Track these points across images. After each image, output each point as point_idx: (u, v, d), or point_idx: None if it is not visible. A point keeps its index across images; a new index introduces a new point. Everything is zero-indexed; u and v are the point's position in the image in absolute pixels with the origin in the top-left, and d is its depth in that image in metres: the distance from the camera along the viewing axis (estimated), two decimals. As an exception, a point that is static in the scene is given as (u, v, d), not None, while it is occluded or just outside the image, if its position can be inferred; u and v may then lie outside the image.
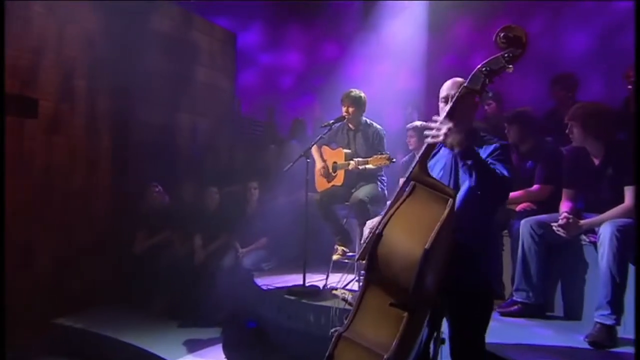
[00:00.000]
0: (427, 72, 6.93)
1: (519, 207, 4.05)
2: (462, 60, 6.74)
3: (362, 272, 2.38)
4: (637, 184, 3.02)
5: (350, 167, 4.35)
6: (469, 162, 2.30)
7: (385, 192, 4.60)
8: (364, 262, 2.17)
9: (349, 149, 4.65)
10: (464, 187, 2.39)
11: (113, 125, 5.72)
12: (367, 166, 4.21)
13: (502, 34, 2.42)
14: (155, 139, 6.13)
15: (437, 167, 2.57)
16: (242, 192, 5.54)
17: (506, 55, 2.37)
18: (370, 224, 2.51)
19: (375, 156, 4.14)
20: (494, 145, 2.45)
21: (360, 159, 4.31)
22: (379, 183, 4.60)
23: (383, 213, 2.28)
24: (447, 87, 2.58)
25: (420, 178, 2.25)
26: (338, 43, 7.95)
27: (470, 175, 2.30)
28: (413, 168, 2.30)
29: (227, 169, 6.29)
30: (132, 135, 5.91)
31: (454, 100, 2.37)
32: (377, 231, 2.13)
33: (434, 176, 2.35)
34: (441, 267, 2.16)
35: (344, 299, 3.46)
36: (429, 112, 7.06)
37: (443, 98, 2.52)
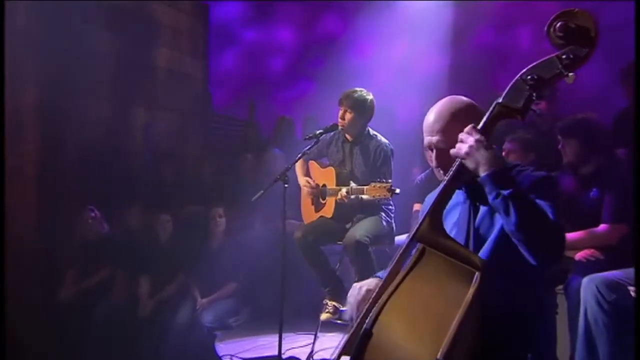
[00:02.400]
0: (453, 52, 6.94)
1: (578, 256, 3.84)
2: (500, 35, 6.79)
3: None
4: (637, 186, 2.99)
5: (338, 197, 4.22)
6: (505, 192, 1.97)
7: (393, 225, 4.51)
8: None
9: (344, 167, 4.56)
10: (492, 236, 2.14)
11: (41, 123, 5.54)
12: (363, 196, 4.06)
13: (558, 24, 2.04)
14: (96, 142, 6.00)
15: (448, 221, 2.28)
16: (205, 219, 5.40)
17: (564, 57, 2.02)
18: (357, 293, 2.27)
19: (373, 184, 3.97)
20: (536, 176, 2.16)
21: (353, 186, 4.16)
22: (383, 215, 4.47)
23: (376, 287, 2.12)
24: (431, 127, 2.25)
25: (432, 239, 2.02)
26: (341, 16, 7.91)
27: (507, 214, 1.96)
28: (421, 223, 2.05)
29: (186, 186, 6.16)
30: (66, 136, 5.76)
31: (483, 123, 2.08)
32: (364, 327, 1.91)
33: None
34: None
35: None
36: None
37: (427, 145, 2.24)
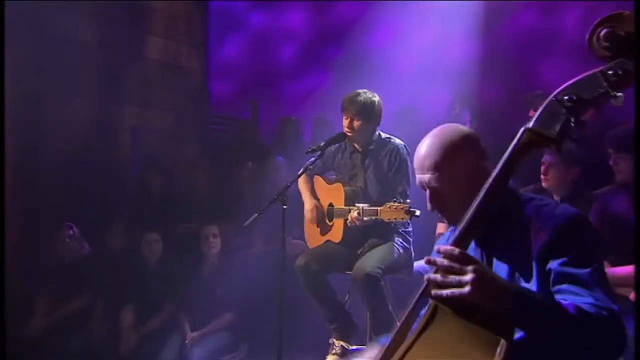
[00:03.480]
0: (487, 38, 6.86)
1: (634, 295, 3.60)
2: (541, 17, 6.80)
3: None
4: (637, 184, 3.03)
5: (349, 220, 4.13)
6: (533, 329, 1.82)
7: (411, 252, 4.40)
8: None
9: (354, 182, 4.45)
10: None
11: (11, 124, 5.16)
12: (377, 218, 3.97)
13: (602, 32, 1.82)
14: (75, 148, 5.98)
15: None
16: (197, 240, 5.35)
17: (611, 72, 1.82)
18: None
19: (388, 204, 3.88)
20: (559, 218, 1.97)
21: (365, 207, 4.04)
22: (399, 240, 4.35)
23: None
24: (421, 163, 2.13)
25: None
26: (359, -2, 7.73)
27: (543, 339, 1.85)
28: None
29: (178, 200, 6.10)
30: (40, 141, 5.74)
31: (509, 153, 1.91)
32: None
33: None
34: None
35: None
36: (487, 111, 6.32)
37: (418, 184, 2.12)
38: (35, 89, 5.63)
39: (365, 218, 4.02)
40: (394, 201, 3.91)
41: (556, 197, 3.96)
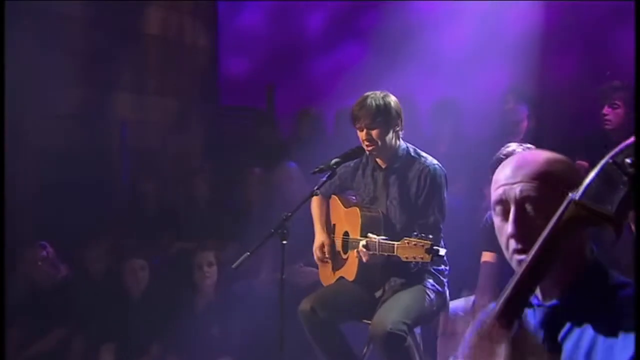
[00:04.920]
0: (552, 11, 6.62)
1: None
2: None
3: None
4: (637, 184, 2.67)
5: (365, 256, 3.98)
6: None
7: (446, 295, 4.26)
8: None
9: (374, 206, 4.28)
10: None
11: None
12: (393, 255, 3.83)
13: None
14: (53, 147, 6.02)
15: None
16: (190, 267, 5.30)
17: None
18: None
19: (407, 240, 3.73)
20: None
21: (381, 240, 3.91)
22: (430, 283, 4.19)
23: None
24: (514, 173, 2.04)
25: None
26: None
27: None
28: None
29: (171, 216, 6.12)
30: (11, 138, 5.36)
31: (542, 243, 1.81)
32: None
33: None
34: None
35: None
36: (552, 103, 6.46)
37: (499, 199, 2.01)
38: (12, 74, 5.41)
39: (376, 253, 3.90)
40: (415, 236, 3.72)
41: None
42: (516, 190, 1.94)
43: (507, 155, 4.15)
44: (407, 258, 3.72)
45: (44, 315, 5.46)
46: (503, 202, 1.96)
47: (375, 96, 4.15)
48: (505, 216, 1.97)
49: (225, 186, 6.33)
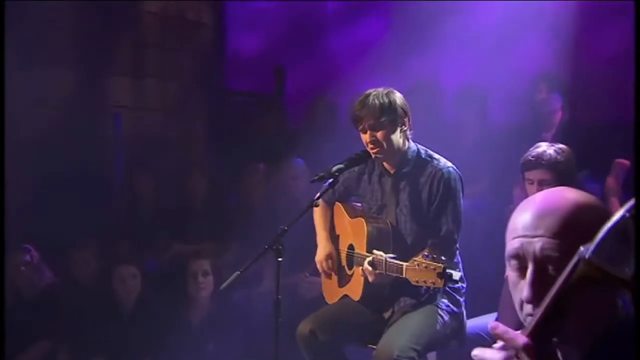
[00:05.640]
0: None
1: None
2: None
3: None
4: (637, 184, 3.26)
5: (371, 275, 3.93)
6: None
7: (462, 316, 4.17)
8: None
9: (383, 217, 4.24)
10: None
11: None
12: (401, 277, 3.81)
13: None
14: (40, 138, 5.98)
15: None
16: (184, 275, 5.30)
17: None
18: None
19: (415, 261, 3.67)
20: None
21: (388, 258, 3.86)
22: (444, 303, 4.12)
23: None
24: (532, 223, 1.95)
25: None
26: None
27: None
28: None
29: (167, 217, 6.11)
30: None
31: (548, 303, 1.74)
32: None
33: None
34: None
35: None
36: (586, 101, 6.36)
37: (514, 253, 1.91)
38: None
39: (382, 272, 3.86)
40: (425, 257, 3.62)
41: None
42: (536, 246, 1.84)
43: (536, 158, 4.40)
44: (417, 282, 3.65)
45: (26, 326, 5.38)
46: (520, 258, 1.86)
47: (377, 93, 4.06)
48: (521, 273, 1.87)
49: (227, 183, 6.34)
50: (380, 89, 4.10)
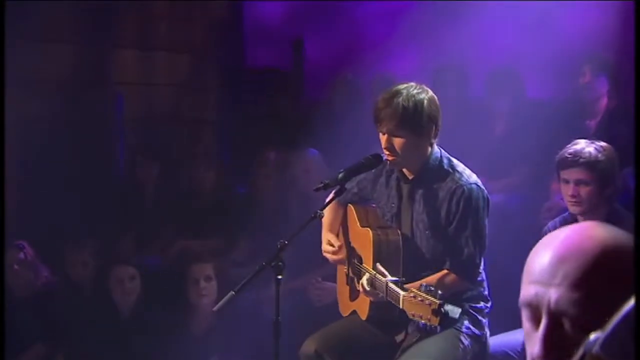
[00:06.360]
0: None
1: None
2: None
3: None
4: (637, 183, 3.71)
5: (371, 296, 3.90)
6: None
7: (486, 339, 4.06)
8: None
9: (395, 228, 4.13)
10: None
11: None
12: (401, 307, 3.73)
13: None
14: (38, 119, 5.97)
15: None
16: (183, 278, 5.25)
17: None
18: None
19: (412, 291, 3.56)
20: None
21: (389, 282, 3.73)
22: (465, 326, 3.99)
23: None
24: (549, 271, 1.71)
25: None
26: None
27: None
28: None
29: (171, 210, 6.04)
30: None
31: None
32: None
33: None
34: None
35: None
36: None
37: (528, 301, 1.71)
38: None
39: (379, 293, 3.78)
40: (423, 288, 3.46)
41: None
42: (551, 296, 1.68)
43: (574, 155, 4.30)
44: (413, 316, 3.53)
45: (19, 330, 5.32)
46: (533, 307, 1.71)
47: (405, 94, 3.84)
48: (534, 323, 1.68)
49: (237, 174, 6.33)
50: (412, 87, 3.89)
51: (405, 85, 3.89)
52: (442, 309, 3.40)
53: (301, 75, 7.49)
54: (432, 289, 3.49)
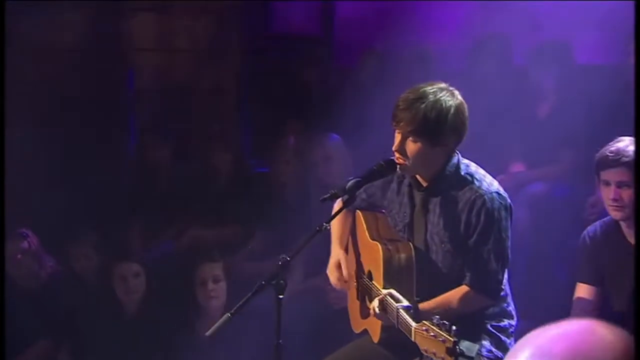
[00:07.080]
0: None
1: None
2: None
3: None
4: (637, 182, 3.53)
5: (380, 319, 3.81)
6: None
7: None
8: None
9: (406, 236, 4.06)
10: None
11: None
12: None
13: None
14: (44, 96, 5.99)
15: None
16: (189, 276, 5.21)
17: None
18: None
19: (425, 324, 3.42)
20: None
21: (401, 309, 3.62)
22: (486, 347, 3.93)
23: None
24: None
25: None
26: None
27: None
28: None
29: (185, 199, 6.02)
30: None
31: None
32: None
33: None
34: None
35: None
36: None
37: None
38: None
39: (393, 321, 3.65)
40: (436, 322, 3.28)
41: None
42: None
43: (615, 154, 4.21)
44: (426, 351, 3.37)
45: (23, 323, 5.40)
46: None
47: (431, 100, 3.68)
48: None
49: (256, 157, 6.37)
50: (439, 92, 3.70)
51: (433, 87, 3.71)
52: (457, 347, 3.27)
53: (330, 43, 7.34)
54: (447, 322, 3.32)
